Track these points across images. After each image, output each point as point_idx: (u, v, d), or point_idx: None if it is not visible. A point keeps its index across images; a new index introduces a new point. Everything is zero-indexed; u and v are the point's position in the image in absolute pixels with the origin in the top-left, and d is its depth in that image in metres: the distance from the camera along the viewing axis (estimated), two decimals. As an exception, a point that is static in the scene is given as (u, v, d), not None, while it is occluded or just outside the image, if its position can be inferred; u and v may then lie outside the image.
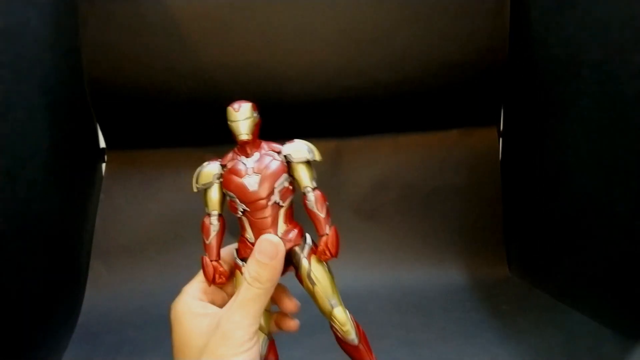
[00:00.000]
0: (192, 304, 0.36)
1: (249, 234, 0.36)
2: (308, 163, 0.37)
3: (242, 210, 0.36)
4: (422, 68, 0.69)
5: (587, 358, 0.53)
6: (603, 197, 0.55)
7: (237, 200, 0.36)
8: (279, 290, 0.40)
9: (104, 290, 0.68)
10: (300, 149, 0.37)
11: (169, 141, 0.74)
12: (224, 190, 0.37)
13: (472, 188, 0.73)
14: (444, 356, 0.56)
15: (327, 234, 0.36)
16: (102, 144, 0.74)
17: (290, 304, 0.40)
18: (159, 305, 0.67)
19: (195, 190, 0.37)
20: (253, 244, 0.36)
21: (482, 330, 0.60)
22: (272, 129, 0.72)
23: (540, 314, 0.61)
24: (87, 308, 0.66)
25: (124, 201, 0.72)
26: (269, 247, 0.35)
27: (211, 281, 0.37)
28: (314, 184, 0.37)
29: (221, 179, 0.37)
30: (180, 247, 0.71)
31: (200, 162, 0.72)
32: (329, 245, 0.36)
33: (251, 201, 0.35)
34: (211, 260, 0.37)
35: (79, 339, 0.62)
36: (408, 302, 0.65)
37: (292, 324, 0.41)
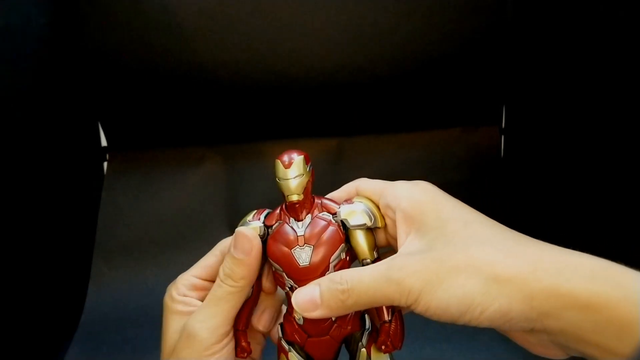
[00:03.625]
0: (174, 299, 0.33)
1: (298, 314, 0.31)
2: (369, 229, 0.31)
3: (289, 286, 0.30)
4: (424, 65, 0.69)
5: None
6: (605, 194, 0.55)
7: (284, 275, 0.30)
8: None
9: (106, 289, 0.68)
10: (358, 212, 0.31)
11: (170, 140, 0.74)
12: (268, 260, 0.31)
13: (474, 185, 0.73)
14: (444, 354, 0.56)
15: (389, 322, 0.30)
16: (104, 142, 0.74)
17: None
18: (161, 304, 0.67)
19: None
20: (302, 327, 0.31)
21: (483, 328, 0.60)
22: (274, 127, 0.73)
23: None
24: (89, 307, 0.66)
25: (125, 200, 0.72)
26: (244, 241, 0.31)
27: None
28: (376, 255, 0.31)
29: (264, 239, 0.32)
30: (182, 245, 0.71)
31: (202, 161, 0.73)
32: (391, 336, 0.30)
33: (301, 278, 0.30)
34: (236, 329, 0.32)
35: (81, 337, 0.62)
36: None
37: None
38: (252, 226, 0.32)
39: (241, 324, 0.32)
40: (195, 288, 0.34)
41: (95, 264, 0.69)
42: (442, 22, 0.66)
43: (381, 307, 0.30)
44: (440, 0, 0.65)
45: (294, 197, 0.30)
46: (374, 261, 0.30)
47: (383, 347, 0.30)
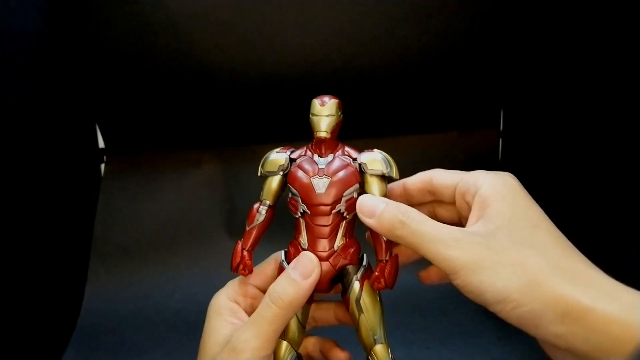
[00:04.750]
0: (223, 305, 0.34)
1: (303, 239, 0.34)
2: (382, 177, 0.34)
3: (302, 211, 0.33)
4: (421, 68, 0.69)
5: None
6: (603, 197, 0.55)
7: (300, 200, 0.33)
8: (329, 344, 0.38)
9: (103, 291, 0.68)
10: (377, 161, 0.34)
11: (168, 142, 0.74)
12: (288, 185, 0.34)
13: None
14: (442, 357, 0.56)
15: (385, 261, 0.33)
16: (102, 144, 0.74)
17: (340, 354, 0.37)
18: (158, 306, 0.68)
19: (259, 174, 0.36)
20: (304, 250, 0.33)
21: (480, 331, 0.60)
22: (272, 130, 0.73)
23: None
24: (86, 309, 0.66)
25: (123, 202, 0.72)
26: (307, 264, 0.32)
27: (234, 269, 0.34)
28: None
29: (287, 172, 0.35)
30: (179, 248, 0.71)
31: (199, 164, 0.73)
32: (385, 274, 0.33)
33: (314, 204, 0.33)
34: (243, 249, 0.34)
35: (78, 339, 0.62)
36: (406, 303, 0.65)
37: (342, 355, 0.37)
38: (278, 156, 0.35)
39: (249, 244, 0.35)
40: (246, 295, 0.35)
41: (92, 266, 0.69)
42: (440, 25, 0.66)
43: (380, 247, 0.33)
44: (438, 4, 0.65)
45: (322, 134, 0.33)
46: None
47: (376, 283, 0.33)
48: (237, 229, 0.72)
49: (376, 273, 0.33)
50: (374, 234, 0.33)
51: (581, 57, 0.58)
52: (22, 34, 0.56)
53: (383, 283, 0.33)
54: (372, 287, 0.33)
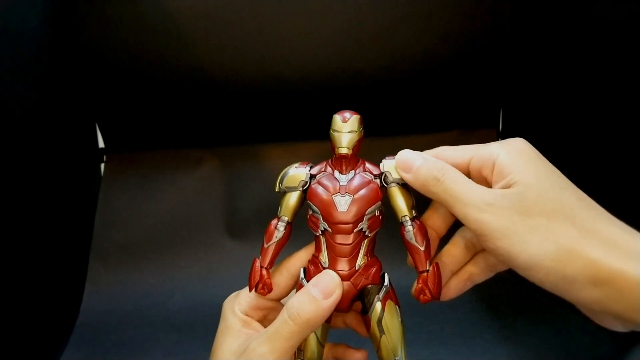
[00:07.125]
0: (235, 314, 0.34)
1: (324, 257, 0.33)
2: (406, 188, 0.33)
3: (323, 229, 0.33)
4: (422, 68, 0.69)
5: (585, 359, 0.53)
6: (602, 198, 0.56)
7: (320, 218, 0.32)
8: (342, 348, 0.37)
9: (102, 291, 0.68)
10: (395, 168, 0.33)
11: (168, 142, 0.73)
12: (308, 202, 0.33)
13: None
14: (441, 357, 0.56)
15: (427, 271, 0.32)
16: (101, 144, 0.74)
17: (357, 355, 0.37)
18: (158, 306, 0.68)
19: (277, 190, 0.34)
20: (325, 269, 0.33)
21: (480, 331, 0.60)
22: (271, 130, 0.73)
23: (539, 315, 0.61)
24: (86, 308, 0.66)
25: (122, 201, 0.72)
26: (329, 282, 0.31)
27: (252, 288, 0.34)
28: (414, 213, 0.33)
29: (306, 188, 0.34)
30: (179, 247, 0.71)
31: (199, 163, 0.73)
32: (429, 284, 0.32)
33: (336, 222, 0.32)
34: (261, 267, 0.33)
35: (78, 338, 0.62)
36: (406, 303, 0.65)
37: (358, 355, 0.37)
38: (298, 172, 0.34)
39: (267, 262, 0.34)
40: (258, 308, 0.34)
41: (91, 265, 0.69)
42: (440, 25, 0.66)
43: (419, 258, 0.32)
44: (438, 5, 0.65)
45: (344, 150, 0.33)
46: (412, 219, 0.33)
47: (421, 296, 0.32)
48: (236, 228, 0.72)
49: (419, 285, 0.32)
50: (410, 246, 0.32)
51: (580, 57, 0.58)
52: (22, 34, 0.56)
53: (429, 294, 0.32)
54: (418, 299, 0.32)
